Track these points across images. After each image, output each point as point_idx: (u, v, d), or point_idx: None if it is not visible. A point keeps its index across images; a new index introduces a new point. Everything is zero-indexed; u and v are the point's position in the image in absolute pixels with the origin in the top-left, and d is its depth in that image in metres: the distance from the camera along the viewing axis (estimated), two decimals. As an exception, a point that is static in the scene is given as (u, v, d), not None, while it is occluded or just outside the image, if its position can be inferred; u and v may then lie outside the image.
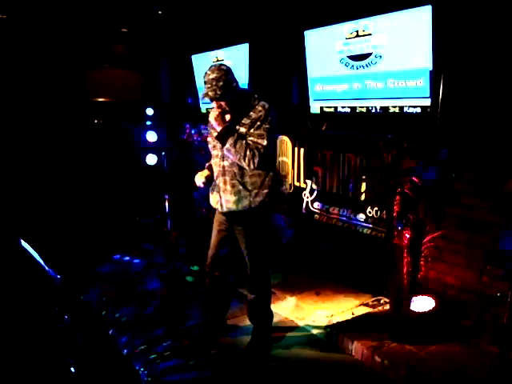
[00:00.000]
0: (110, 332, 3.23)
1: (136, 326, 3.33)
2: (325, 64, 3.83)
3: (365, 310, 3.49)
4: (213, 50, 5.17)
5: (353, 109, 3.71)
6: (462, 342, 2.93)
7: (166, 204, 4.92)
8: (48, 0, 5.35)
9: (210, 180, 3.04)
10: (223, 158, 2.87)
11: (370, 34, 3.38)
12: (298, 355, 3.04)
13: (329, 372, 2.87)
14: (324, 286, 3.91)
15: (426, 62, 3.06)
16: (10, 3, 5.46)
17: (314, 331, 3.31)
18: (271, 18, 4.45)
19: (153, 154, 5.15)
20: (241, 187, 2.84)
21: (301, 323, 3.42)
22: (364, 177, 3.61)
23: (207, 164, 3.14)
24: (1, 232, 2.94)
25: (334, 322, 3.32)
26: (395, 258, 3.08)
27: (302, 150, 4.20)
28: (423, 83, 3.13)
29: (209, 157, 3.10)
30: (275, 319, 3.24)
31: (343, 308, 3.55)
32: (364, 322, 3.29)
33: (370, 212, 3.59)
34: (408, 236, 3.03)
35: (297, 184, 4.30)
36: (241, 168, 2.82)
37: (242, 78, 4.47)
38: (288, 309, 3.61)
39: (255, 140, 2.75)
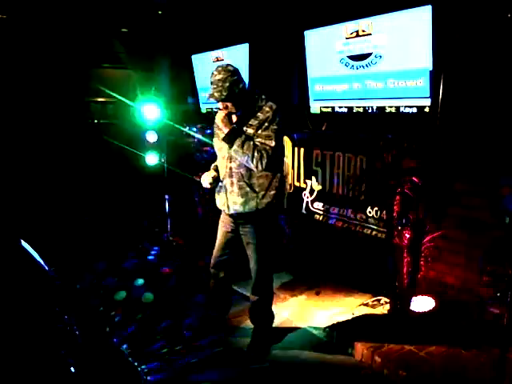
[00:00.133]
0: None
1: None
2: (325, 64, 3.83)
3: (365, 310, 3.49)
4: (213, 49, 5.17)
5: (353, 109, 3.70)
6: (462, 342, 2.92)
7: (166, 204, 4.92)
8: (48, 0, 5.35)
9: (216, 181, 3.00)
10: (230, 159, 2.85)
11: (370, 34, 3.38)
12: (298, 355, 3.04)
13: (329, 372, 2.86)
14: (324, 286, 3.91)
15: (426, 62, 3.06)
16: (9, 3, 5.46)
17: (314, 331, 3.31)
18: (271, 18, 4.45)
19: (153, 153, 5.15)
20: (248, 189, 2.82)
21: (301, 323, 3.41)
22: (364, 177, 3.61)
23: (213, 165, 3.12)
24: (1, 232, 2.95)
25: (334, 322, 3.32)
26: (395, 257, 3.08)
27: (301, 150, 4.20)
28: (423, 83, 3.13)
29: (214, 157, 3.09)
30: (275, 319, 3.24)
31: (343, 308, 3.55)
32: (364, 322, 3.29)
33: (370, 212, 3.59)
34: (408, 236, 3.03)
35: (297, 184, 4.30)
36: (248, 169, 2.80)
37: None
38: (288, 309, 3.61)
39: (263, 141, 2.73)
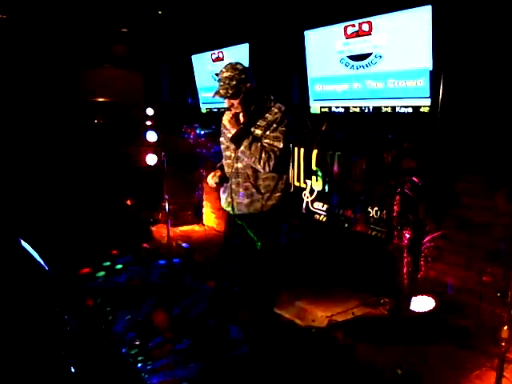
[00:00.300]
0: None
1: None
2: (325, 64, 3.83)
3: (365, 310, 3.48)
4: (213, 49, 5.17)
5: (353, 109, 3.70)
6: (462, 342, 2.92)
7: (166, 204, 4.91)
8: (48, 0, 5.35)
9: (222, 180, 2.97)
10: (237, 159, 2.83)
11: (370, 34, 3.38)
12: (298, 356, 3.03)
13: (329, 372, 2.86)
14: (324, 286, 3.91)
15: (426, 62, 3.06)
16: (9, 3, 5.47)
17: (315, 331, 3.31)
18: (271, 18, 4.44)
19: (153, 153, 5.15)
20: (254, 190, 2.81)
21: (301, 323, 3.42)
22: (364, 177, 3.61)
23: (218, 164, 3.10)
24: (1, 232, 2.94)
25: (334, 322, 3.32)
26: (395, 257, 3.08)
27: (302, 150, 4.20)
28: (423, 83, 3.13)
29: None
30: (276, 320, 3.24)
31: (343, 308, 3.54)
32: (364, 321, 3.29)
33: (370, 212, 3.59)
34: (408, 236, 3.03)
35: (297, 184, 4.30)
36: (255, 170, 2.78)
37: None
38: (288, 309, 3.61)
39: (271, 142, 2.72)
